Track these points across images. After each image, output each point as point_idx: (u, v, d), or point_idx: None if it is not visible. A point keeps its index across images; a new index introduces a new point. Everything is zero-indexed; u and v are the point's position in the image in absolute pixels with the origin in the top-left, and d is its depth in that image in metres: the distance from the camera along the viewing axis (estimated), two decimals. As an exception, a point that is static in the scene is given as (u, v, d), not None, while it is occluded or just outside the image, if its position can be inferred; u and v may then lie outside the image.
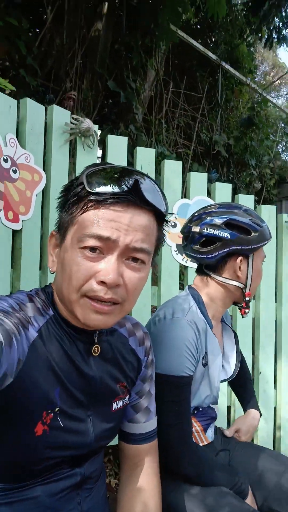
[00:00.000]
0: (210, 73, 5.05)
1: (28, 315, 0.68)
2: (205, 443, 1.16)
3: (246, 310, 1.14)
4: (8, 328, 0.61)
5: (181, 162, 1.99)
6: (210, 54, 4.92)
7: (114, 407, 0.79)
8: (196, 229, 1.14)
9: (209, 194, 2.07)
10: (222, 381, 1.21)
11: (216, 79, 5.07)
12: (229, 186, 2.12)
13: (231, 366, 1.21)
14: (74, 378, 0.71)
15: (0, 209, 1.39)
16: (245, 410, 1.36)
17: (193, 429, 1.10)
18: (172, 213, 1.84)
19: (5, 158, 1.42)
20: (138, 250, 0.66)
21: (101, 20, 3.36)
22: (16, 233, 1.49)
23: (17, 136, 1.49)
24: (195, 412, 1.12)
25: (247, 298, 1.12)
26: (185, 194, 2.05)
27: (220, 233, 1.08)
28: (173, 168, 1.95)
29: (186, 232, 1.19)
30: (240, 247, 1.07)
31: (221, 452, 1.22)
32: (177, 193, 1.94)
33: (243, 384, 1.40)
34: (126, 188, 0.64)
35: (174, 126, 4.21)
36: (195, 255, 1.15)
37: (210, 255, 1.10)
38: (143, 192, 0.64)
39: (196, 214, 1.18)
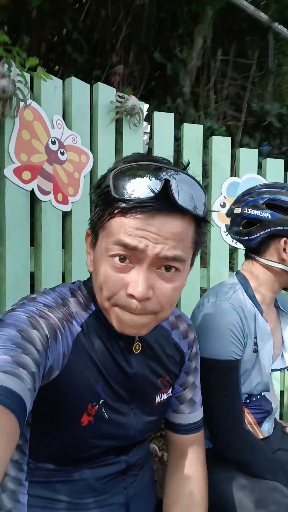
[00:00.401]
0: (260, 37, 4.70)
1: (71, 310, 0.68)
2: (260, 437, 1.12)
3: None
4: (53, 322, 0.62)
5: (229, 139, 1.90)
6: (261, 14, 4.57)
7: (157, 400, 0.79)
8: (237, 210, 1.11)
9: (260, 170, 1.97)
10: (281, 369, 1.17)
11: (267, 43, 4.72)
12: (281, 162, 2.00)
13: None
14: (115, 374, 0.71)
15: (50, 192, 1.42)
16: None
17: (245, 420, 1.08)
18: (213, 210, 1.77)
19: (53, 140, 1.43)
20: (170, 259, 0.60)
21: (146, -13, 3.22)
22: (66, 215, 1.51)
23: (63, 117, 1.49)
24: (248, 401, 1.09)
25: None
26: (234, 172, 1.97)
27: (260, 214, 1.04)
28: (221, 145, 1.87)
29: (229, 214, 1.16)
30: (282, 228, 1.03)
31: (279, 451, 1.14)
32: (226, 171, 1.86)
33: None
34: (153, 194, 0.57)
35: (223, 97, 4.01)
36: (238, 238, 1.12)
37: (251, 237, 1.07)
38: (174, 195, 0.57)
39: (239, 195, 1.15)
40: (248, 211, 1.07)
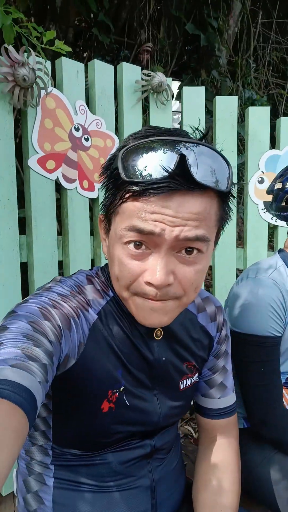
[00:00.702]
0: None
1: (87, 298, 0.66)
2: None
3: None
4: (67, 311, 0.61)
5: (268, 108, 1.76)
6: None
7: (181, 386, 0.76)
8: (279, 186, 1.07)
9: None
10: None
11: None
12: None
13: None
14: (135, 360, 0.69)
15: (75, 179, 1.40)
16: None
17: (284, 401, 1.05)
18: (238, 183, 1.65)
19: (76, 126, 1.40)
20: (192, 240, 0.54)
21: None
22: (93, 201, 1.49)
23: (87, 102, 1.45)
24: (287, 382, 1.06)
25: None
26: (274, 144, 1.82)
27: None
28: (259, 115, 1.73)
29: (270, 190, 1.12)
30: None
31: None
32: (265, 144, 1.73)
33: None
34: (167, 173, 0.51)
35: (265, 64, 3.74)
36: (279, 214, 1.09)
37: None
38: (192, 171, 0.51)
39: (282, 170, 1.10)
40: None
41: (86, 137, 1.43)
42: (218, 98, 1.69)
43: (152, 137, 0.55)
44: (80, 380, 0.63)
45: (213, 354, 0.82)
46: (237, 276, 1.68)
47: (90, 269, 0.74)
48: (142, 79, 1.56)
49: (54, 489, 0.71)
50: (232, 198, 0.60)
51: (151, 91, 1.58)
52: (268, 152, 1.71)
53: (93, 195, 1.45)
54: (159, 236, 0.53)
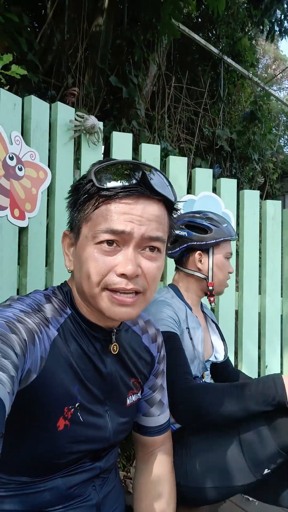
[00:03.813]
0: (212, 67, 5.00)
1: (47, 316, 0.69)
2: None
3: (211, 299, 1.33)
4: (31, 327, 0.63)
5: (186, 158, 1.98)
6: (212, 48, 4.87)
7: (128, 401, 0.81)
8: None
9: (214, 190, 2.06)
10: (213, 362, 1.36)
11: (218, 73, 5.03)
12: (234, 182, 2.11)
13: (221, 353, 1.38)
14: (91, 375, 0.73)
15: (7, 207, 1.39)
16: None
17: None
18: (180, 201, 1.84)
19: (11, 156, 1.42)
20: (154, 239, 0.67)
21: (102, 15, 3.33)
22: (22, 231, 1.49)
23: (22, 134, 1.49)
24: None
25: (210, 288, 1.31)
26: (190, 190, 2.04)
27: (180, 232, 1.31)
28: (178, 164, 1.94)
29: None
30: (195, 243, 1.28)
31: None
32: (183, 189, 1.93)
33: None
34: (135, 181, 0.64)
35: (177, 121, 4.18)
36: (166, 252, 1.30)
37: (174, 250, 1.33)
38: (152, 183, 0.65)
39: None
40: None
41: (19, 167, 1.44)
42: (144, 145, 1.86)
43: (117, 161, 0.68)
44: (39, 396, 0.64)
45: (153, 373, 0.89)
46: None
47: (45, 289, 0.77)
48: (75, 119, 1.65)
49: None
50: (175, 211, 0.74)
51: (84, 132, 1.68)
52: (186, 196, 1.91)
53: (23, 224, 1.45)
54: (129, 234, 0.64)
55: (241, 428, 1.01)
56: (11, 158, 1.42)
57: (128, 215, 0.64)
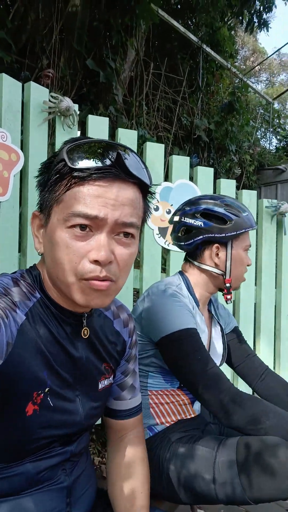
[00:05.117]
0: (191, 56, 4.97)
1: (14, 300, 0.66)
2: (192, 415, 1.17)
3: (228, 296, 1.18)
4: None
5: (163, 145, 1.96)
6: (191, 36, 4.84)
7: (100, 386, 0.80)
8: (176, 218, 1.22)
9: (191, 179, 2.05)
10: None
11: (197, 62, 5.00)
12: (211, 171, 2.10)
13: (219, 358, 1.26)
14: (61, 359, 0.71)
15: (-24, 190, 1.33)
16: None
17: (180, 401, 1.15)
18: (156, 184, 1.82)
19: (-20, 136, 1.35)
20: (127, 225, 0.64)
21: (79, -5, 3.23)
22: (-7, 215, 1.43)
23: (-8, 114, 1.42)
24: (182, 384, 1.15)
25: (227, 285, 1.17)
26: (167, 177, 2.02)
27: (195, 222, 1.15)
28: (155, 151, 1.91)
29: (170, 221, 1.27)
30: (213, 235, 1.13)
31: (211, 424, 1.24)
32: (160, 177, 1.91)
33: None
34: (110, 162, 0.61)
35: (155, 108, 4.14)
36: (177, 243, 1.23)
37: (187, 242, 1.17)
38: (127, 165, 0.62)
39: (180, 205, 1.24)
40: (184, 219, 1.18)
41: (-10, 148, 1.38)
42: (121, 130, 1.82)
43: (91, 140, 0.65)
44: (6, 382, 0.62)
45: (125, 358, 0.89)
46: (134, 295, 1.77)
47: (13, 273, 0.74)
48: (49, 100, 1.59)
49: None
50: (151, 195, 0.72)
51: (58, 114, 1.62)
52: (162, 184, 1.89)
53: (-6, 207, 1.40)
54: (102, 220, 0.62)
55: (217, 453, 0.97)
56: (-19, 138, 1.35)
57: (102, 198, 0.61)
